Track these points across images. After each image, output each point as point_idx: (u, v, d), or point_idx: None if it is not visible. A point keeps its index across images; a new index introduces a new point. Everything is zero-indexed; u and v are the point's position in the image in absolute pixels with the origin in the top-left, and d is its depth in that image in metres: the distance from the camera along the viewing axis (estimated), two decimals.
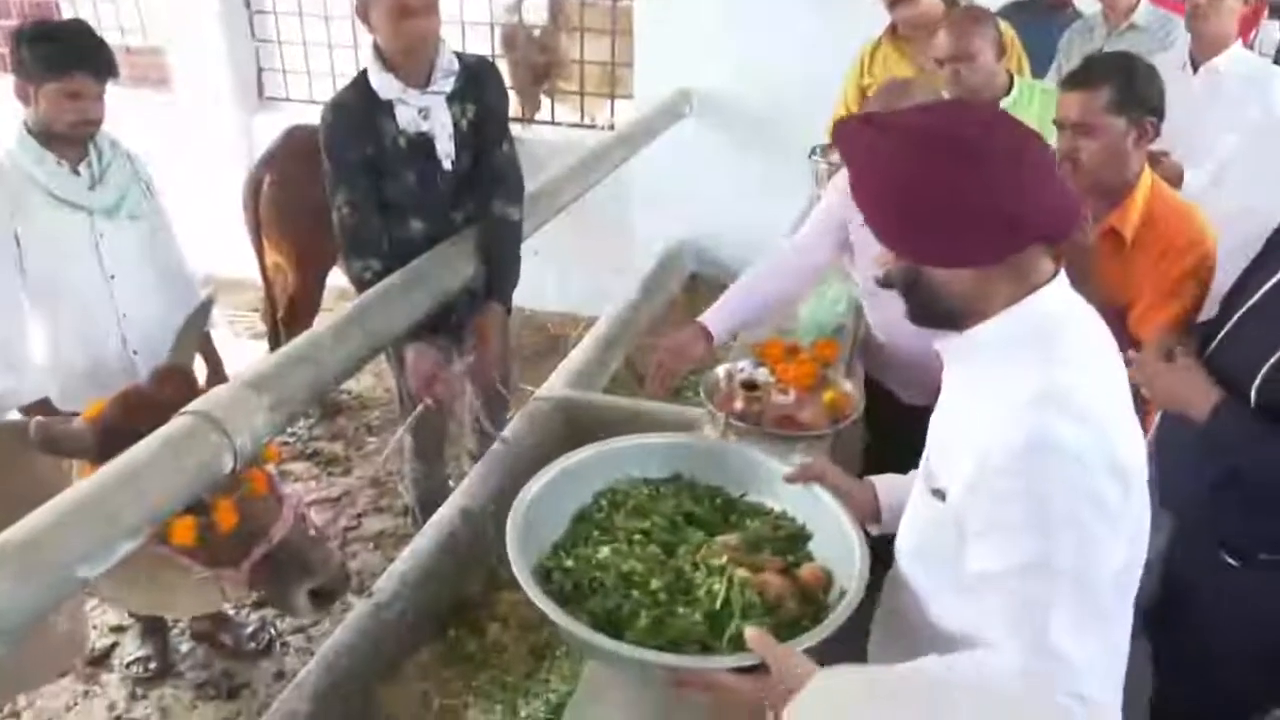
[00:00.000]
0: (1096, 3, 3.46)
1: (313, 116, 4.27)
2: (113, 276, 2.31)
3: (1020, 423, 1.07)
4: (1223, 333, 1.67)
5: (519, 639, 2.42)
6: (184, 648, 2.83)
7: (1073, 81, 1.91)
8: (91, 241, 2.27)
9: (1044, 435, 1.05)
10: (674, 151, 4.27)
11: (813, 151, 3.32)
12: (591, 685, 1.47)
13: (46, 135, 2.19)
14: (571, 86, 4.90)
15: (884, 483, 1.52)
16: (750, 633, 1.19)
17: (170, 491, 1.39)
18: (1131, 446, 1.12)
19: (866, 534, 1.41)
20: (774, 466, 1.56)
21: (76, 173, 2.24)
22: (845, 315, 2.64)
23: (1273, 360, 1.52)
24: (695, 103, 4.35)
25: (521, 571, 1.30)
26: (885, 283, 1.24)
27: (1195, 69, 2.99)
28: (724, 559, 1.38)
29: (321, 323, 2.09)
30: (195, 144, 4.92)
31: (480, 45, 4.75)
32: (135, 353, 2.36)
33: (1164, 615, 1.83)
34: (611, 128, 4.58)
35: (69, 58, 2.11)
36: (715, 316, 2.17)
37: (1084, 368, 1.13)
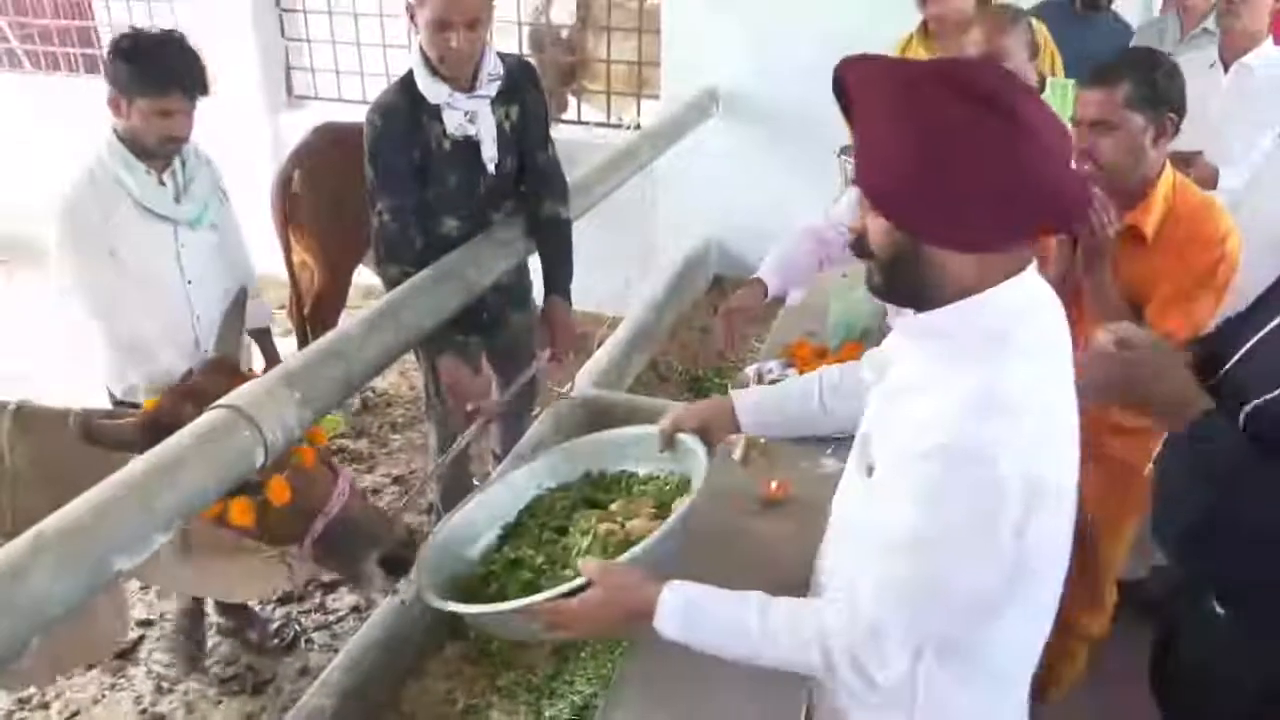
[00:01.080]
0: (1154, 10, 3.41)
1: (341, 115, 4.34)
2: (190, 282, 2.36)
3: (954, 421, 1.02)
4: (1236, 356, 1.59)
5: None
6: (209, 643, 2.85)
7: (1092, 79, 1.89)
8: (174, 251, 2.32)
9: (971, 442, 1.01)
10: (700, 151, 4.27)
11: (841, 151, 3.31)
12: (621, 689, 1.46)
13: (135, 146, 2.21)
14: (598, 86, 4.90)
15: (741, 393, 1.64)
16: (582, 563, 1.32)
17: (203, 484, 1.39)
18: (1062, 461, 1.07)
19: None
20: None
21: (162, 183, 2.28)
22: (872, 317, 2.63)
23: (1272, 395, 1.35)
24: (722, 102, 4.34)
25: (420, 579, 1.50)
26: (861, 251, 1.12)
27: (1226, 67, 2.95)
28: (592, 520, 1.55)
29: (351, 319, 2.09)
30: (224, 142, 4.95)
31: (507, 45, 4.76)
32: (206, 352, 2.40)
33: (1163, 667, 1.69)
34: (638, 127, 4.57)
35: (165, 77, 2.12)
36: (767, 272, 2.19)
37: (1033, 370, 1.06)
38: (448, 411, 2.74)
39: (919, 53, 3.13)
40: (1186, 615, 1.56)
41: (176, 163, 2.30)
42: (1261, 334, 1.44)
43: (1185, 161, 2.70)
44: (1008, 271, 1.07)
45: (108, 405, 2.30)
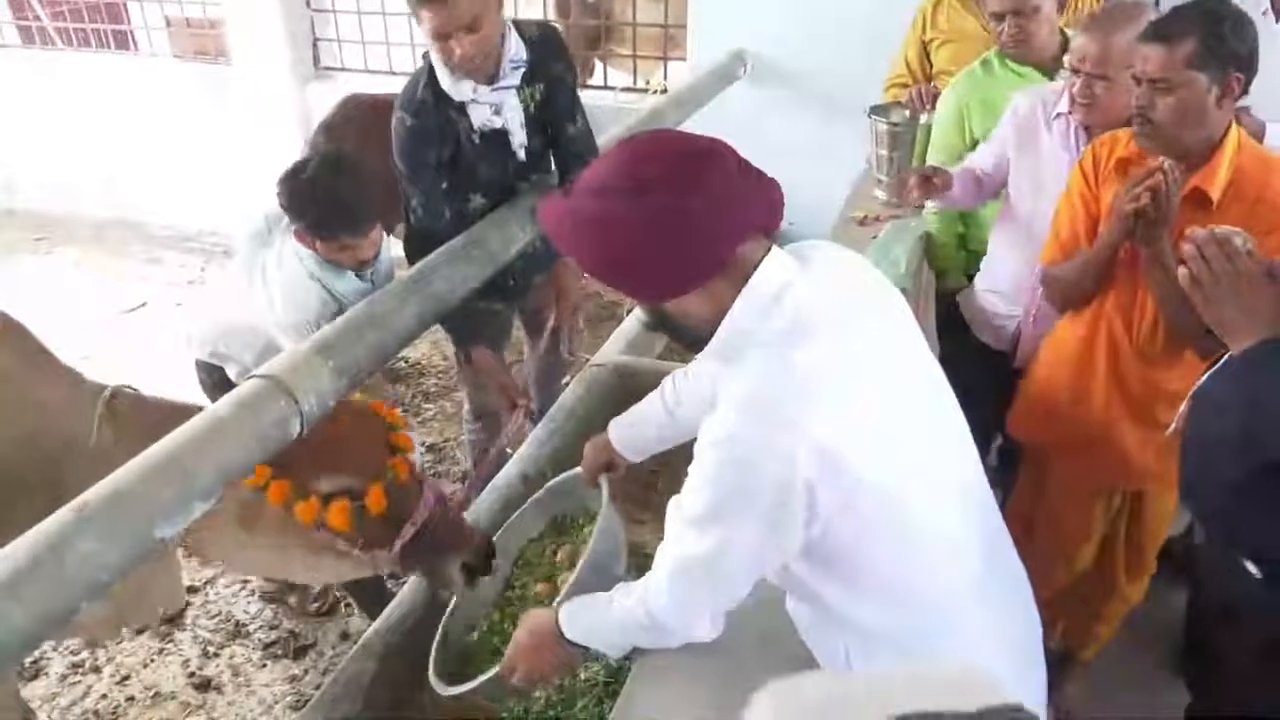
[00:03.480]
0: None
1: (367, 86, 4.34)
2: None
3: (722, 415, 1.16)
4: None
5: None
6: (252, 609, 2.91)
7: (1153, 33, 1.74)
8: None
9: (732, 433, 1.14)
10: (728, 114, 4.21)
11: (871, 111, 3.25)
12: (653, 652, 1.48)
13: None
14: (625, 50, 4.85)
15: (615, 424, 1.78)
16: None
17: (241, 454, 1.42)
18: (838, 428, 1.13)
19: None
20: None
21: (364, 279, 2.34)
22: (906, 278, 2.60)
23: None
24: (750, 64, 4.27)
25: (432, 666, 1.76)
26: (648, 325, 1.32)
27: (1278, 16, 2.84)
28: (532, 585, 1.84)
29: (383, 289, 2.10)
30: (253, 114, 5.00)
31: (534, 11, 4.72)
32: None
33: (1193, 642, 1.69)
34: (664, 91, 4.53)
35: (333, 226, 2.19)
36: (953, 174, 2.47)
37: (791, 355, 1.15)
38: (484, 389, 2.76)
39: (952, 7, 3.06)
40: (1226, 588, 1.53)
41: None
42: None
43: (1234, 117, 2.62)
44: (742, 276, 1.19)
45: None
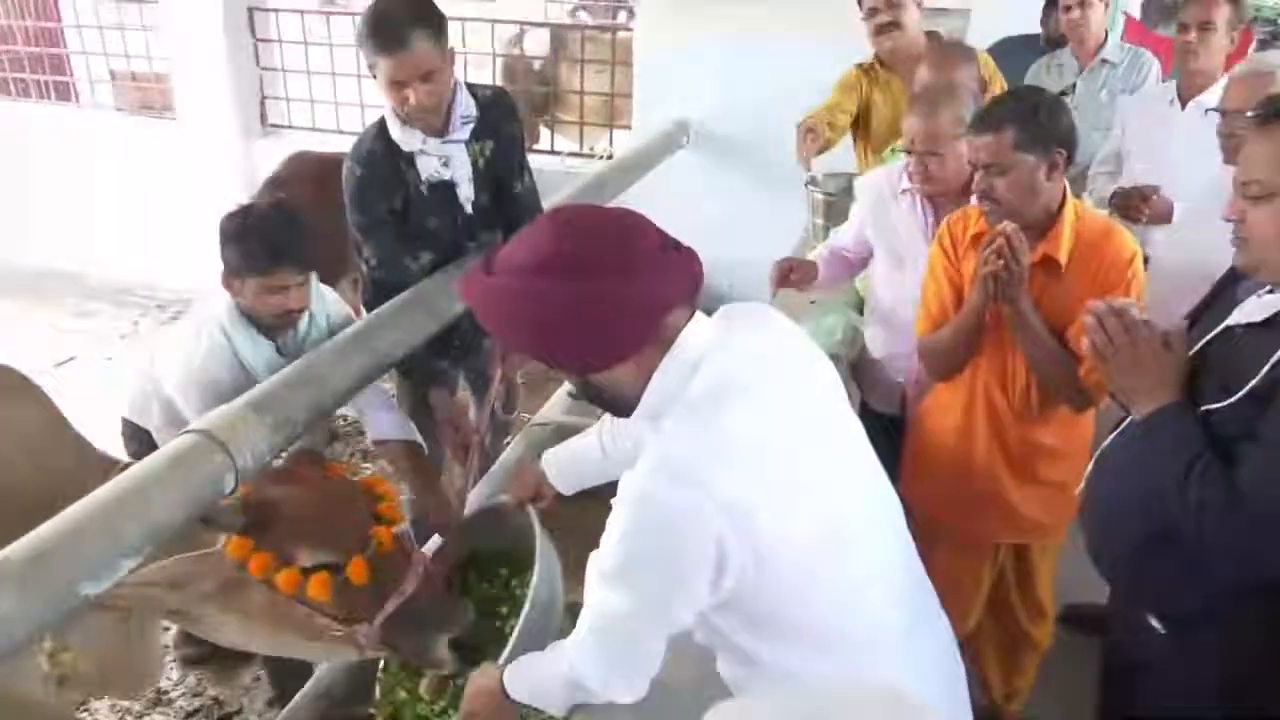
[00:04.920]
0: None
1: (315, 143, 4.36)
2: None
3: (637, 474, 1.17)
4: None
5: None
6: (174, 675, 2.81)
7: (978, 125, 1.94)
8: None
9: (646, 491, 1.15)
10: (671, 180, 4.32)
11: (808, 182, 3.35)
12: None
13: (255, 320, 2.17)
14: (571, 116, 4.95)
15: (548, 457, 1.78)
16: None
17: (173, 510, 1.39)
18: (752, 490, 1.15)
19: None
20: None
21: (281, 352, 2.23)
22: (841, 345, 2.66)
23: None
24: (693, 133, 4.40)
25: None
26: (574, 395, 1.31)
27: (1184, 105, 3.03)
28: None
29: (324, 345, 2.10)
30: (199, 170, 4.97)
31: (481, 77, 4.80)
32: None
33: (1107, 695, 1.72)
34: (609, 157, 4.63)
35: (271, 255, 2.08)
36: (820, 260, 2.62)
37: (709, 417, 1.17)
38: (430, 439, 2.73)
39: (873, 82, 3.16)
40: (1134, 643, 1.57)
41: (291, 331, 2.25)
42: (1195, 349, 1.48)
43: (1143, 196, 2.77)
44: (667, 344, 1.21)
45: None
